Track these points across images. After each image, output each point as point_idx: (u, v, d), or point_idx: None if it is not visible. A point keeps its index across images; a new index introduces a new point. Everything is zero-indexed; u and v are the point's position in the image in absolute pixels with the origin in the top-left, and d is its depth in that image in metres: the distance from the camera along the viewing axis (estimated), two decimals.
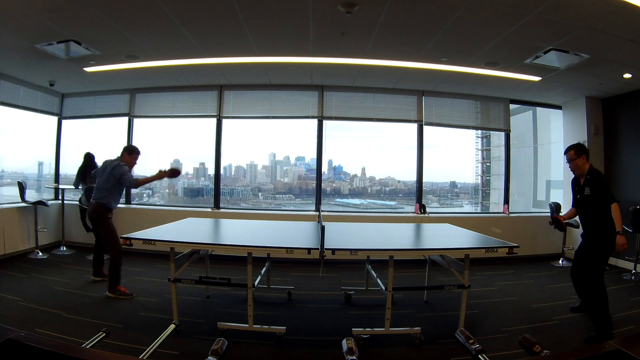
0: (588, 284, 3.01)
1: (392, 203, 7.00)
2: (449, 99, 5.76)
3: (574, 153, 3.09)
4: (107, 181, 3.67)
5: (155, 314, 3.19)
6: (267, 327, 2.81)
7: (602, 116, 5.60)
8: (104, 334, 1.07)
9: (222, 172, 5.89)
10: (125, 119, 5.89)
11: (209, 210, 5.63)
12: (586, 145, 3.29)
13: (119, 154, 3.85)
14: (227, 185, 6.64)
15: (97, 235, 4.00)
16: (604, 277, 2.95)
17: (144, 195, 6.76)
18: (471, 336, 0.98)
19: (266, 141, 7.03)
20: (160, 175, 3.65)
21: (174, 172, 3.75)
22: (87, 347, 0.95)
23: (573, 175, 3.26)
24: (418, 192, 5.78)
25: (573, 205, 3.28)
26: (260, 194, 6.99)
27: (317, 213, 4.44)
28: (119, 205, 5.65)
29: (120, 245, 3.51)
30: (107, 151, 6.17)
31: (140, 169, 6.54)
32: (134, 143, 5.97)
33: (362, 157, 7.23)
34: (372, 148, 7.21)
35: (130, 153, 3.86)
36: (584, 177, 3.10)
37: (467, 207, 7.65)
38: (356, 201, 6.97)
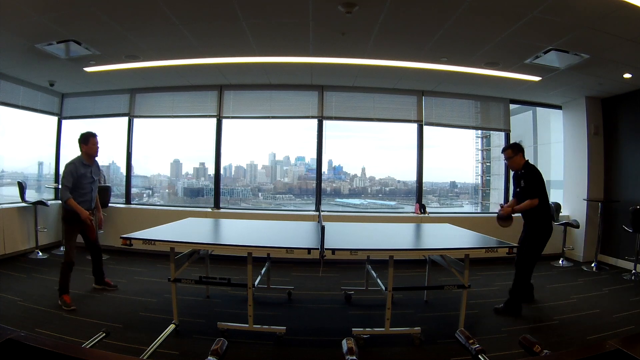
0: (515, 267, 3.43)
1: (392, 203, 7.00)
2: (449, 99, 5.76)
3: (511, 152, 3.51)
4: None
5: (155, 314, 3.19)
6: (267, 327, 2.81)
7: (602, 116, 5.59)
8: (104, 334, 1.07)
9: (222, 172, 5.89)
10: (125, 119, 5.89)
11: (209, 210, 5.63)
12: (522, 144, 3.73)
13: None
14: (227, 185, 6.64)
15: (88, 242, 3.74)
16: (533, 265, 3.41)
17: (144, 195, 6.76)
18: (471, 336, 0.98)
19: (266, 141, 7.04)
20: (83, 214, 3.37)
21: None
22: (87, 347, 0.95)
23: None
24: (418, 192, 5.78)
25: (513, 197, 3.77)
26: (260, 194, 6.98)
27: (317, 213, 4.45)
28: (118, 205, 5.73)
29: (71, 255, 3.36)
30: (107, 151, 6.17)
31: (140, 169, 6.56)
32: (134, 143, 5.97)
33: (362, 157, 7.24)
34: (372, 148, 7.21)
35: (85, 141, 3.47)
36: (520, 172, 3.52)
37: (467, 207, 7.65)
38: (356, 201, 6.97)
